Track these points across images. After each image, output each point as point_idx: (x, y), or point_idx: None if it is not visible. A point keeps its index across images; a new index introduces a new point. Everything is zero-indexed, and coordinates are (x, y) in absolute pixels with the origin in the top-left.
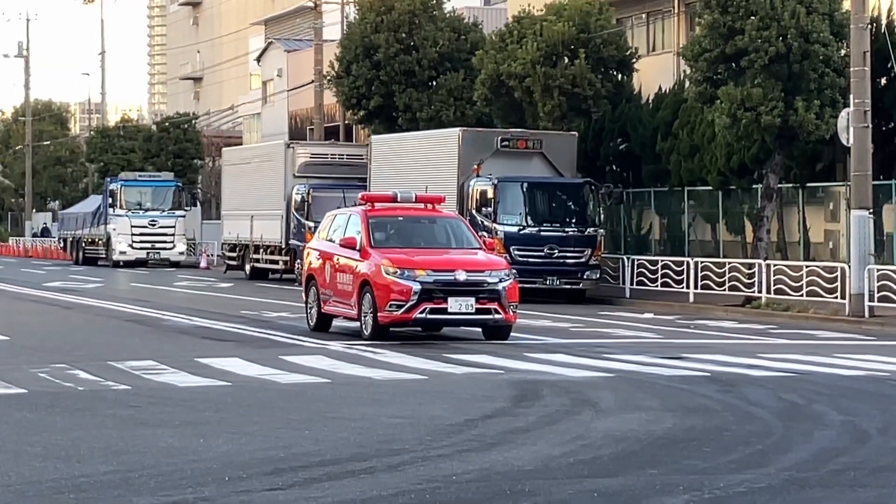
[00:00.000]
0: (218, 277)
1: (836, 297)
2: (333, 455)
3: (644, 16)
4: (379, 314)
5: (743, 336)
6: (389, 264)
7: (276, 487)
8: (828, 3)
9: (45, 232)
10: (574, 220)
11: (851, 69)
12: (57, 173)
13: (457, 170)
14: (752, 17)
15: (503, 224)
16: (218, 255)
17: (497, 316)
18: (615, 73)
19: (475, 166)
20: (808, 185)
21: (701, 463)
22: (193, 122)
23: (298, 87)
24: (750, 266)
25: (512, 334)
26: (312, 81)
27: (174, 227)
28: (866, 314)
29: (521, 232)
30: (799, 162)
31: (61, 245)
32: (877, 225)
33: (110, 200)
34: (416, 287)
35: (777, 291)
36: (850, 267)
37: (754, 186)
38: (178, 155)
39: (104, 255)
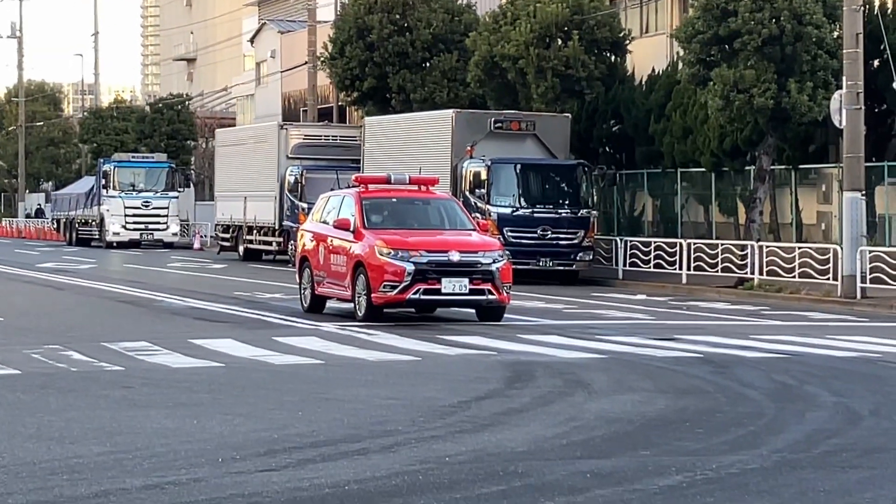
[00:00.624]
0: (211, 258)
1: (829, 279)
2: (327, 436)
3: None
4: (373, 295)
5: (735, 317)
6: (383, 245)
7: (270, 468)
8: None
9: (39, 213)
10: (567, 202)
11: (844, 51)
12: (50, 154)
13: (450, 151)
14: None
15: (496, 205)
16: (211, 237)
17: (491, 297)
18: (608, 54)
19: (468, 148)
20: (801, 166)
21: (693, 444)
22: (187, 103)
23: (292, 69)
24: (742, 248)
25: (505, 315)
26: (306, 63)
27: (167, 208)
28: (858, 295)
29: (515, 213)
30: (791, 144)
31: (54, 226)
32: (869, 207)
33: (103, 181)
34: (410, 268)
35: (769, 273)
36: (842, 248)
37: (747, 168)
38: (171, 136)
39: (97, 236)
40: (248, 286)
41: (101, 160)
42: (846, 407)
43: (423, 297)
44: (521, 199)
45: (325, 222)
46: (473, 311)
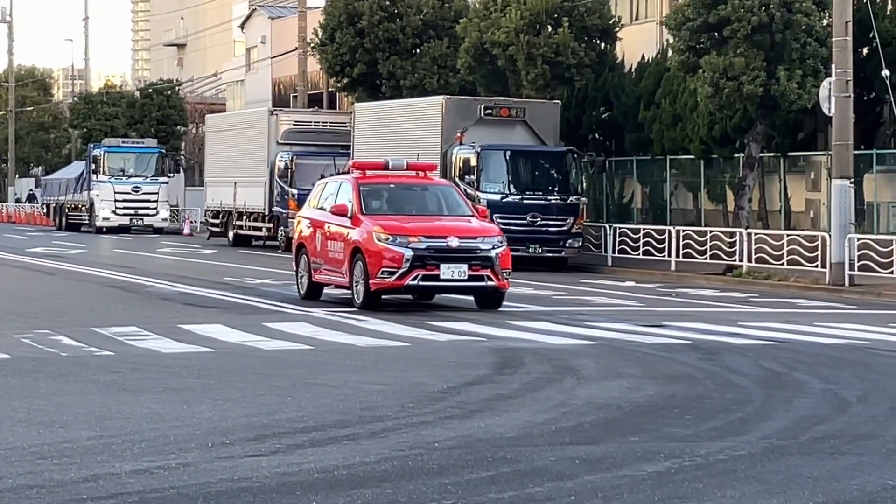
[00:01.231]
0: (201, 244)
1: (817, 266)
2: (316, 421)
3: None
4: (371, 281)
5: (724, 304)
6: (381, 231)
7: (259, 454)
8: None
9: (31, 198)
10: (556, 189)
11: (833, 39)
12: (40, 139)
13: (440, 138)
14: None
15: (486, 192)
16: (201, 222)
17: (490, 283)
18: (598, 41)
19: (458, 134)
20: (790, 154)
21: (682, 430)
22: (177, 88)
23: (282, 55)
24: (731, 235)
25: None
26: (296, 49)
27: (157, 193)
28: (846, 283)
29: (504, 200)
30: (781, 131)
31: (44, 211)
32: (857, 194)
33: (93, 167)
34: (409, 254)
35: (758, 260)
36: (830, 236)
37: (736, 155)
38: (161, 121)
39: (87, 221)
40: (238, 272)
41: (91, 145)
42: (834, 394)
43: (421, 283)
44: (511, 186)
45: (321, 208)
46: (472, 297)
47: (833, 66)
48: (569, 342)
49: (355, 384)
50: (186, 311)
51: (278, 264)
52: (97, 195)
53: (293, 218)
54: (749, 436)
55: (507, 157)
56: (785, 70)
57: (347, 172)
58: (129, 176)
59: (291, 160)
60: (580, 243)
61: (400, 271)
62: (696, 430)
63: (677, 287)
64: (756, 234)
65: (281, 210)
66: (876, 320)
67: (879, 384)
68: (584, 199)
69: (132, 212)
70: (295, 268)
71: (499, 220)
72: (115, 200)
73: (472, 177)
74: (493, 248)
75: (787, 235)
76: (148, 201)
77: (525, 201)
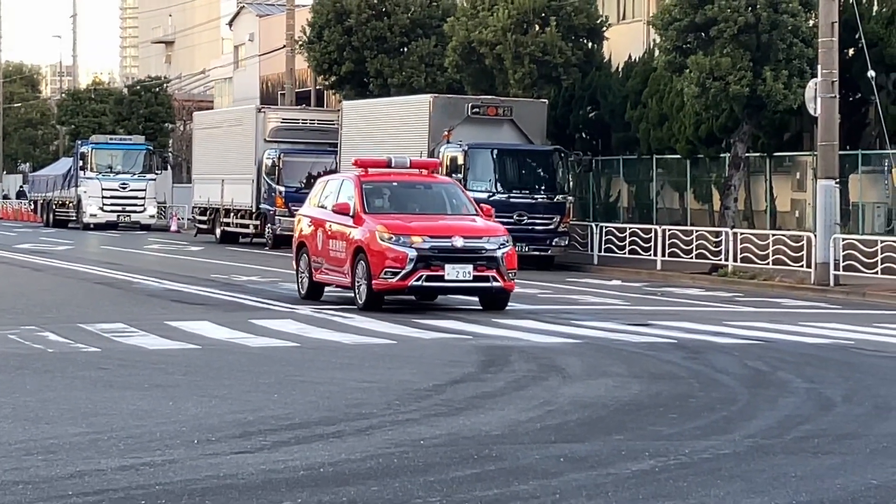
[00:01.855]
0: (188, 241)
1: (802, 266)
2: (302, 419)
3: None
4: (373, 282)
5: (709, 304)
6: (384, 230)
7: (245, 450)
8: None
9: (21, 195)
10: (543, 187)
11: (819, 40)
12: (28, 135)
13: (427, 136)
14: None
15: (473, 190)
16: (189, 219)
17: (496, 284)
18: (585, 41)
19: (446, 133)
20: (776, 154)
21: (667, 429)
22: (165, 85)
23: (270, 52)
24: (717, 234)
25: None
26: (284, 46)
27: (145, 190)
28: (831, 283)
29: (491, 198)
30: (766, 131)
31: (32, 207)
32: (843, 194)
33: (81, 163)
34: (412, 254)
35: (743, 260)
36: (815, 236)
37: (722, 155)
38: (149, 118)
39: (75, 218)
40: (225, 269)
41: (79, 142)
42: (818, 393)
43: (425, 283)
44: (498, 185)
45: (322, 207)
46: (476, 298)
47: (819, 66)
48: (554, 341)
49: (341, 381)
50: (173, 307)
51: (265, 261)
52: (84, 192)
53: (280, 215)
54: (733, 435)
55: (494, 156)
56: (771, 70)
57: (334, 172)
58: (117, 173)
59: (279, 158)
60: (567, 242)
61: (403, 272)
62: (680, 428)
63: (663, 286)
64: (742, 233)
65: (268, 207)
66: (860, 320)
67: (863, 384)
68: (570, 197)
69: (119, 208)
70: (295, 267)
71: None
72: (103, 197)
73: (459, 175)
74: (499, 248)
75: (773, 235)
76: (135, 198)
77: (512, 200)
